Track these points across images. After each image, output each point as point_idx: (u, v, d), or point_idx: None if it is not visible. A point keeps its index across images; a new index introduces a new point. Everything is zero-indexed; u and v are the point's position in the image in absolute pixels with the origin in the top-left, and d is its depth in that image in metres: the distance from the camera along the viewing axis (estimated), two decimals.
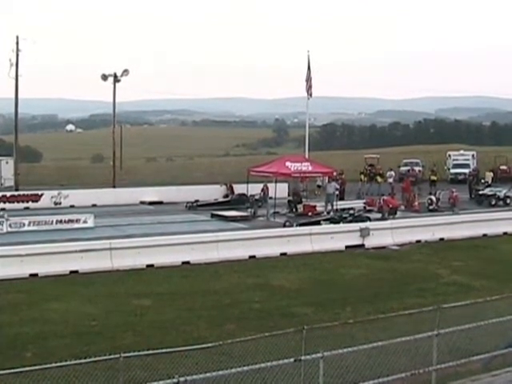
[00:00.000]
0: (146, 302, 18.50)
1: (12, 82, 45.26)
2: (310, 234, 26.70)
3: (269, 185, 37.47)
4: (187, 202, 38.72)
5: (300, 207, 36.24)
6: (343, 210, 34.50)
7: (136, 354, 10.40)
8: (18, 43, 44.76)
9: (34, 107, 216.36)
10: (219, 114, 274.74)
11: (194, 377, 10.21)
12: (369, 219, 31.44)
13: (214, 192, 41.43)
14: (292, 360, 10.95)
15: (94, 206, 38.59)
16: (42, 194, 39.40)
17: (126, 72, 46.18)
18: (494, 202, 39.78)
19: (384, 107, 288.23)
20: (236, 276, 21.97)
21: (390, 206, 34.75)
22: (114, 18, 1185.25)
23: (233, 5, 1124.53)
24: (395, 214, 34.35)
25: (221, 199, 40.06)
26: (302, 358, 11.05)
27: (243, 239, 25.54)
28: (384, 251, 26.65)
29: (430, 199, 38.11)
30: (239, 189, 39.95)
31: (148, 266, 22.90)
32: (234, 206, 37.47)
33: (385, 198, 35.95)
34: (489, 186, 43.87)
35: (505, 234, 30.25)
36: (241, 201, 38.34)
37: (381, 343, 11.83)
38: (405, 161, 54.42)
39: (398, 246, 27.56)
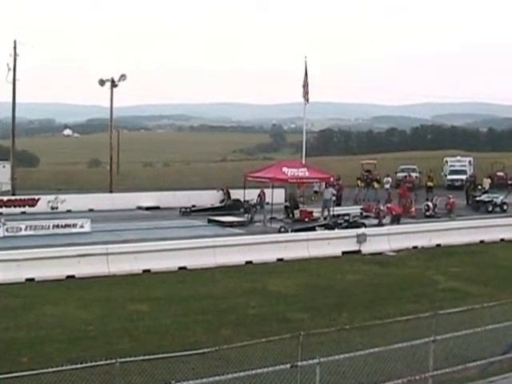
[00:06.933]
0: (143, 307, 18.47)
1: (9, 86, 45.31)
2: (307, 240, 26.69)
3: (266, 190, 37.47)
4: (181, 208, 38.68)
5: (297, 213, 36.20)
6: (338, 216, 34.48)
7: (132, 359, 10.38)
8: (15, 48, 44.73)
9: (32, 112, 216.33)
10: (216, 119, 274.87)
11: (191, 382, 10.22)
12: (364, 225, 31.41)
13: (210, 197, 41.38)
14: (288, 366, 10.94)
15: (90, 210, 38.51)
16: (38, 199, 39.28)
17: (123, 77, 46.16)
18: (490, 209, 39.81)
19: (381, 113, 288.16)
20: (232, 281, 21.95)
21: (394, 213, 34.53)
22: (112, 23, 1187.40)
23: (230, 10, 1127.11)
24: (399, 221, 33.83)
25: (217, 204, 40.03)
26: (299, 363, 11.04)
27: (240, 245, 25.53)
28: (381, 257, 26.65)
29: (427, 205, 38.10)
30: (236, 194, 39.93)
31: (144, 271, 22.88)
32: (229, 211, 37.45)
33: (389, 205, 35.73)
34: (486, 192, 43.87)
35: (502, 240, 30.29)
36: (235, 206, 38.34)
37: (377, 349, 11.84)
38: (401, 167, 54.38)
39: (394, 251, 27.55)
